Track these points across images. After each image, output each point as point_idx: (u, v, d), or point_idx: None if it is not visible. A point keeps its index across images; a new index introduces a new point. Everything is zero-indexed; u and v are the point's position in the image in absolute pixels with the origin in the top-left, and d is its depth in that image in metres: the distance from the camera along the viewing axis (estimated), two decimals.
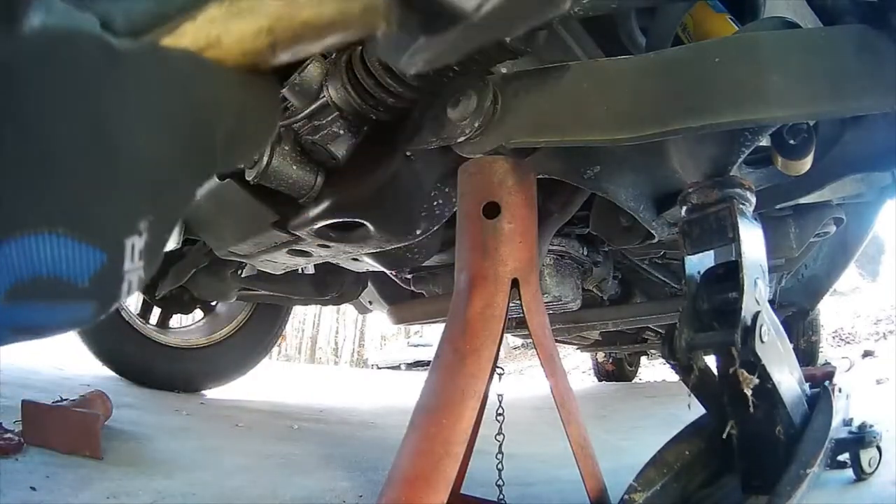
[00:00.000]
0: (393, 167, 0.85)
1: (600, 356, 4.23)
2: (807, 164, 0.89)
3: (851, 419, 1.04)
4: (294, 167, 0.89)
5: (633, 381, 4.28)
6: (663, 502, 0.75)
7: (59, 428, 1.07)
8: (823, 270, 1.99)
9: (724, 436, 0.78)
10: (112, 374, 1.99)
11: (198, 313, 2.32)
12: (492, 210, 0.75)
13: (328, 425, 1.97)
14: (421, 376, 1.03)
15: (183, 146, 0.29)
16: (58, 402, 1.24)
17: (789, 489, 0.69)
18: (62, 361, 2.34)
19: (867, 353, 4.33)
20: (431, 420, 0.68)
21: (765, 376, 0.72)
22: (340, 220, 0.93)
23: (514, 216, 0.75)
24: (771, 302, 0.81)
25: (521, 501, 1.10)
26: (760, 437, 0.78)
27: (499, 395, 0.79)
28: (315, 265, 1.81)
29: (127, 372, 2.00)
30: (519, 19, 0.39)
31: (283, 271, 1.34)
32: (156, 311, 2.16)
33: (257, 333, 2.31)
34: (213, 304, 2.29)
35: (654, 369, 5.19)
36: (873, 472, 0.99)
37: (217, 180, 1.01)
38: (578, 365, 7.29)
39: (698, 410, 0.84)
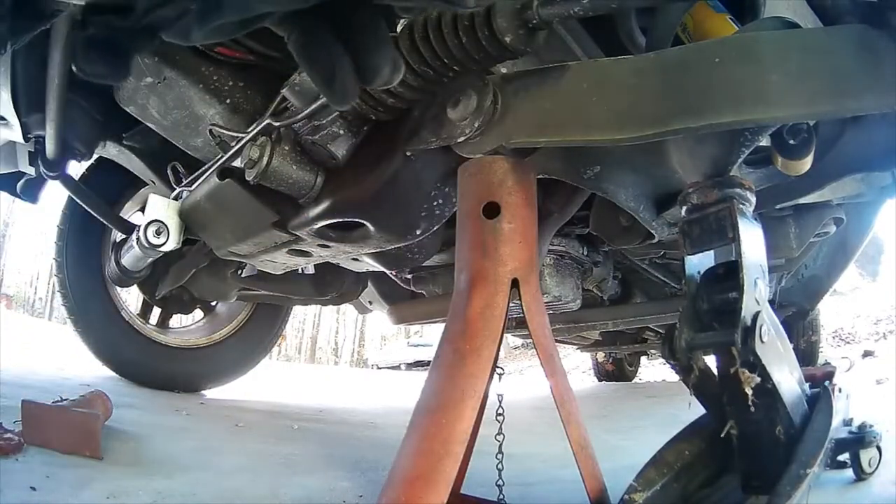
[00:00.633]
0: (393, 167, 0.85)
1: (600, 356, 4.23)
2: (807, 164, 0.89)
3: (851, 419, 1.04)
4: (294, 167, 0.89)
5: (633, 381, 4.28)
6: (663, 502, 0.75)
7: (59, 428, 1.07)
8: (823, 270, 1.99)
9: (724, 436, 0.78)
10: (112, 374, 1.99)
11: (198, 313, 2.32)
12: (492, 210, 0.75)
13: (328, 425, 1.97)
14: (421, 376, 1.03)
15: None
16: (58, 402, 1.24)
17: (789, 489, 0.69)
18: (62, 361, 2.34)
19: (867, 353, 4.33)
20: (431, 420, 0.68)
21: (765, 376, 0.72)
22: (340, 220, 0.93)
23: (514, 216, 0.75)
24: (771, 302, 0.81)
25: (521, 501, 1.10)
26: (760, 437, 0.77)
27: (499, 395, 0.79)
28: (315, 265, 1.81)
29: (127, 372, 2.00)
30: None
31: (283, 271, 1.34)
32: (156, 311, 2.15)
33: (257, 333, 2.31)
34: (213, 304, 2.29)
35: (654, 369, 5.19)
36: (873, 472, 0.99)
37: (217, 180, 1.01)
38: (578, 365, 7.29)
39: (698, 410, 0.84)
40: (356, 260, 1.27)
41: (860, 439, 0.98)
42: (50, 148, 1.30)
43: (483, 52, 0.70)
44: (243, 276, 1.81)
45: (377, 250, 1.04)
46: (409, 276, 1.69)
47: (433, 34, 0.70)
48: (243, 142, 0.97)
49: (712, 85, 0.60)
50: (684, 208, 0.83)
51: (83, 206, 1.58)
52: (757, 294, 0.73)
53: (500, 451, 0.78)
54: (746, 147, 0.88)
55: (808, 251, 1.54)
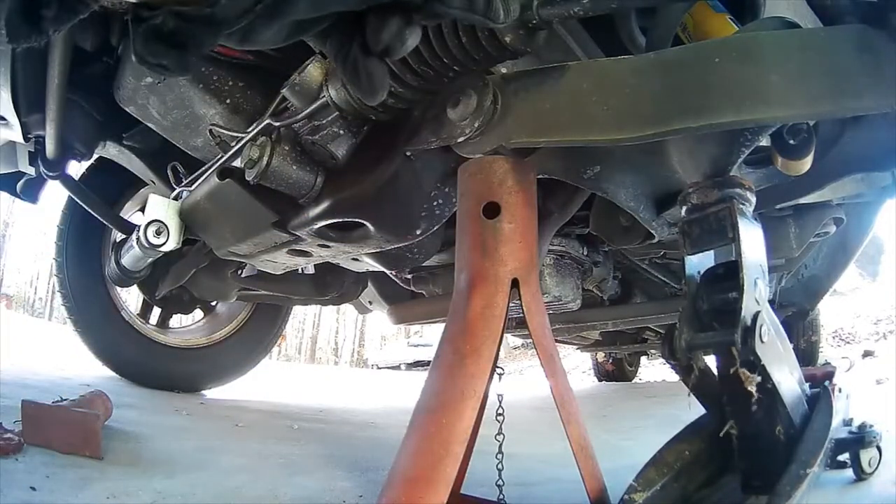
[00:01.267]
0: (393, 167, 0.85)
1: (600, 356, 4.23)
2: (807, 164, 0.89)
3: (851, 419, 1.04)
4: (294, 167, 0.89)
5: (633, 381, 4.27)
6: (663, 502, 0.75)
7: (59, 428, 1.07)
8: (823, 270, 1.99)
9: (724, 436, 0.78)
10: (112, 374, 1.99)
11: (198, 313, 2.32)
12: (492, 210, 0.75)
13: (328, 425, 1.97)
14: (421, 376, 1.03)
15: None
16: (58, 402, 1.24)
17: (789, 489, 0.69)
18: (62, 361, 2.34)
19: (867, 353, 4.33)
20: (431, 420, 0.68)
21: (765, 376, 0.72)
22: (340, 220, 0.93)
23: (514, 216, 0.75)
24: (771, 302, 0.81)
25: (521, 501, 1.10)
26: (760, 437, 0.77)
27: (499, 395, 0.79)
28: (315, 265, 1.81)
29: (127, 372, 2.00)
30: None
31: (283, 271, 1.34)
32: (156, 311, 2.16)
33: (257, 333, 2.31)
34: (213, 304, 2.29)
35: (654, 369, 5.19)
36: (873, 472, 0.99)
37: (217, 180, 1.01)
38: (578, 365, 7.29)
39: (698, 410, 0.84)
40: (356, 260, 1.27)
41: (860, 439, 0.98)
42: (50, 148, 1.30)
43: (483, 52, 0.70)
44: (243, 276, 1.81)
45: (377, 250, 1.04)
46: (409, 276, 1.69)
47: (433, 34, 0.70)
48: (243, 142, 0.97)
49: (712, 85, 0.60)
50: (684, 208, 0.83)
51: (83, 206, 1.58)
52: (757, 294, 0.73)
53: (500, 451, 0.78)
54: (746, 147, 0.88)
55: (808, 251, 1.54)
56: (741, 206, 0.77)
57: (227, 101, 1.08)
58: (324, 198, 0.91)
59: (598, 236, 1.23)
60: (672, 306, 1.81)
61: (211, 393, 2.21)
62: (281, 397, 2.67)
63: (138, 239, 1.24)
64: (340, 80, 0.79)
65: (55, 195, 1.87)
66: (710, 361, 0.80)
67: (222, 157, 1.06)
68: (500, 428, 0.78)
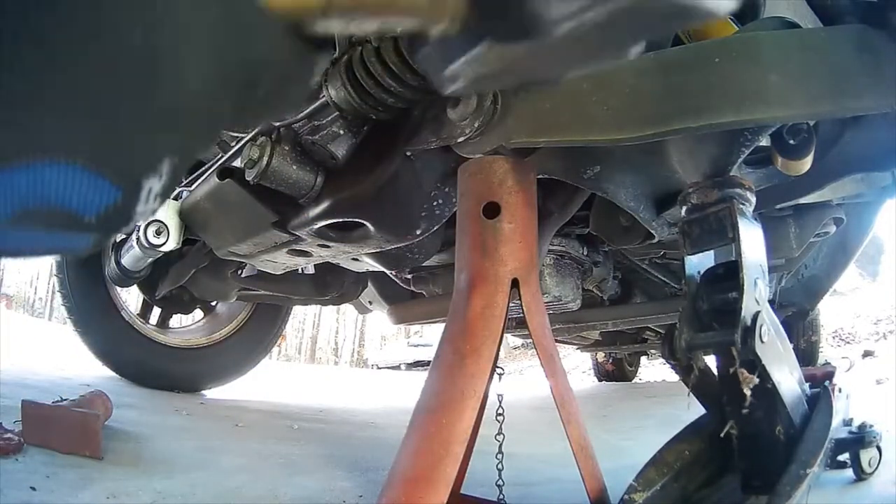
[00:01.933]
0: (393, 167, 0.85)
1: (600, 356, 4.22)
2: (807, 164, 0.89)
3: (851, 419, 1.04)
4: (294, 167, 0.89)
5: (633, 381, 4.27)
6: (663, 502, 0.75)
7: (59, 428, 1.07)
8: (823, 270, 1.99)
9: (724, 436, 0.78)
10: (112, 374, 1.99)
11: (198, 313, 2.32)
12: (492, 210, 0.75)
13: (328, 425, 1.97)
14: (421, 376, 1.03)
15: (228, 88, 0.27)
16: (58, 402, 1.24)
17: (789, 489, 0.69)
18: (62, 361, 2.34)
19: (867, 353, 4.33)
20: (431, 420, 0.68)
21: (765, 376, 0.72)
22: (340, 220, 0.93)
23: (514, 216, 0.75)
24: (771, 302, 0.80)
25: (521, 501, 1.10)
26: (760, 437, 0.77)
27: (499, 395, 0.79)
28: (315, 265, 1.81)
29: (127, 372, 2.00)
30: (613, 46, 0.32)
31: (283, 271, 1.34)
32: (156, 311, 2.15)
33: (257, 333, 2.31)
34: (213, 304, 2.29)
35: (654, 369, 5.19)
36: (873, 472, 0.99)
37: (217, 180, 1.01)
38: (578, 365, 7.29)
39: (698, 410, 0.84)
40: (356, 260, 1.27)
41: (860, 439, 0.98)
42: None
43: None
44: (243, 276, 1.81)
45: (377, 250, 1.04)
46: (409, 276, 1.69)
47: None
48: (243, 142, 0.97)
49: (712, 85, 0.60)
50: (684, 208, 0.83)
51: None
52: (757, 294, 0.73)
53: (500, 451, 0.79)
54: (746, 147, 0.88)
55: (808, 251, 1.54)
56: (741, 206, 0.77)
57: None
58: (324, 198, 0.91)
59: (598, 236, 1.23)
60: (672, 306, 1.81)
61: (211, 393, 2.21)
62: (281, 397, 2.67)
63: (138, 239, 1.24)
64: (340, 79, 0.79)
65: None
66: (710, 361, 0.80)
67: (222, 157, 1.06)
68: (500, 428, 0.78)
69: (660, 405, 2.67)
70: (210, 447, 1.33)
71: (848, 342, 5.79)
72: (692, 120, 0.60)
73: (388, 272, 1.65)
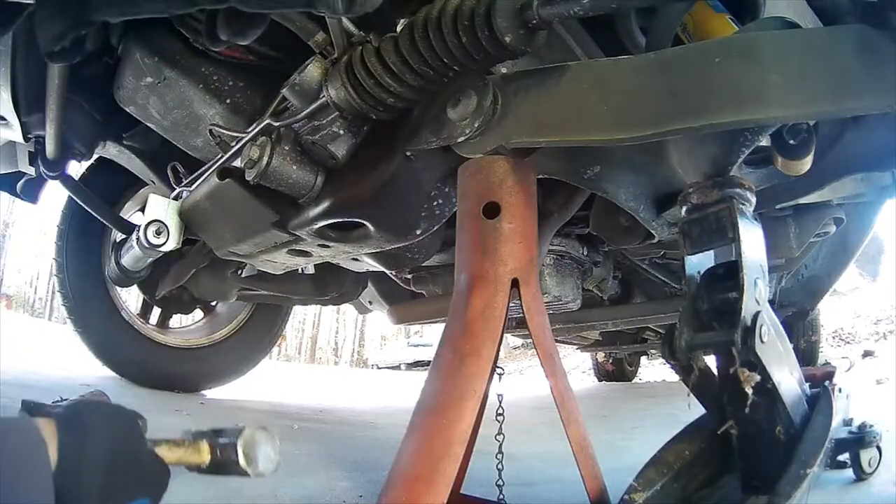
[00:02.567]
0: (393, 167, 0.85)
1: (600, 356, 4.23)
2: (807, 164, 0.89)
3: (851, 419, 1.04)
4: (294, 167, 0.89)
5: (633, 381, 4.27)
6: (663, 502, 0.75)
7: None
8: (823, 270, 1.99)
9: (724, 435, 0.78)
10: (112, 374, 1.99)
11: (198, 313, 2.32)
12: (492, 210, 0.75)
13: (328, 425, 1.97)
14: (421, 376, 1.03)
15: None
16: (58, 402, 1.24)
17: (789, 489, 0.69)
18: (62, 361, 2.34)
19: (867, 353, 4.33)
20: (431, 420, 0.68)
21: (765, 376, 0.72)
22: (340, 220, 0.93)
23: (514, 216, 0.75)
24: (771, 302, 0.81)
25: (521, 501, 1.10)
26: (760, 437, 0.77)
27: (499, 395, 0.79)
28: (315, 265, 1.81)
29: (127, 372, 2.00)
30: None
31: (283, 271, 1.34)
32: (156, 311, 2.15)
33: (257, 333, 2.31)
34: (213, 304, 2.29)
35: (654, 369, 5.19)
36: (873, 472, 0.99)
37: (217, 180, 1.01)
38: (578, 365, 7.29)
39: (698, 410, 0.84)
40: (356, 260, 1.27)
41: (860, 439, 0.98)
42: (50, 148, 1.30)
43: (483, 52, 0.70)
44: (243, 276, 1.81)
45: (377, 250, 1.04)
46: (409, 276, 1.69)
47: (433, 34, 0.70)
48: (243, 142, 0.97)
49: (712, 85, 0.60)
50: (684, 208, 0.83)
51: (83, 206, 1.58)
52: (757, 294, 0.73)
53: (500, 451, 0.79)
54: (746, 147, 0.88)
55: (808, 251, 1.54)
56: (741, 206, 0.77)
57: (227, 101, 1.08)
58: (324, 198, 0.91)
59: (598, 236, 1.24)
60: (672, 306, 1.81)
61: (211, 393, 2.21)
62: (281, 397, 2.67)
63: (138, 239, 1.24)
64: (340, 79, 0.79)
65: (55, 195, 1.88)
66: (710, 361, 0.80)
67: (222, 157, 1.06)
68: (500, 428, 0.78)
69: (660, 405, 2.67)
70: None
71: (848, 342, 5.79)
72: (692, 120, 0.60)
73: (388, 272, 1.66)
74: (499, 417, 0.79)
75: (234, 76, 1.08)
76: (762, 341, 0.70)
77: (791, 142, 0.88)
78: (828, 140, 0.98)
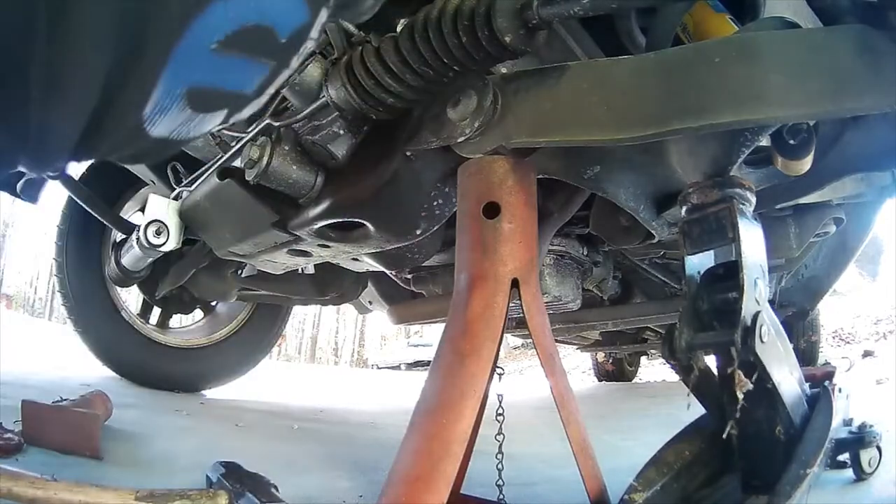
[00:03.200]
0: (393, 167, 0.85)
1: (600, 356, 4.23)
2: (807, 164, 0.89)
3: (851, 419, 1.04)
4: (294, 167, 0.89)
5: (633, 381, 4.27)
6: (663, 502, 0.75)
7: (59, 428, 1.07)
8: (823, 270, 1.99)
9: (724, 436, 0.78)
10: (112, 374, 1.99)
11: (198, 313, 2.32)
12: (492, 210, 0.75)
13: (328, 425, 1.97)
14: (421, 376, 1.03)
15: None
16: (58, 402, 1.24)
17: (789, 489, 0.69)
18: (62, 361, 2.34)
19: (867, 353, 4.33)
20: (431, 420, 0.68)
21: (765, 376, 0.72)
22: (340, 220, 0.93)
23: (514, 216, 0.75)
24: (771, 302, 0.80)
25: (521, 501, 1.10)
26: (760, 437, 0.78)
27: (499, 395, 0.79)
28: (315, 265, 1.81)
29: (127, 372, 2.00)
30: None
31: (283, 271, 1.34)
32: (156, 311, 2.15)
33: (257, 333, 2.31)
34: (213, 304, 2.29)
35: (654, 369, 5.19)
36: (873, 472, 0.99)
37: (217, 180, 1.01)
38: (578, 365, 7.29)
39: (698, 410, 0.84)
40: (356, 260, 1.27)
41: (860, 439, 0.98)
42: None
43: (483, 52, 0.70)
44: (243, 276, 1.81)
45: (377, 250, 1.04)
46: (409, 276, 1.69)
47: (433, 34, 0.70)
48: (243, 142, 0.97)
49: (712, 85, 0.60)
50: (684, 208, 0.83)
51: (83, 206, 1.58)
52: (757, 294, 0.73)
53: (500, 451, 0.78)
54: (746, 147, 0.88)
55: (808, 251, 1.54)
56: (741, 206, 0.77)
57: None
58: (324, 198, 0.91)
59: (598, 236, 1.23)
60: (672, 306, 1.81)
61: (211, 393, 2.21)
62: (281, 397, 2.67)
63: (138, 239, 1.24)
64: (340, 79, 0.79)
65: (55, 195, 1.87)
66: (711, 361, 0.80)
67: (222, 157, 1.06)
68: (500, 428, 0.78)
69: (660, 405, 2.67)
70: (210, 447, 1.33)
71: (848, 342, 5.80)
72: (692, 120, 0.60)
73: (388, 272, 1.66)
74: (499, 417, 0.79)
75: None
76: (762, 341, 0.70)
77: (791, 142, 0.88)
78: (828, 140, 0.98)
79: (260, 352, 2.35)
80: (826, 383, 0.96)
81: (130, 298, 2.63)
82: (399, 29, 0.75)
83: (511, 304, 0.73)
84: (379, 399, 3.36)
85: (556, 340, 1.64)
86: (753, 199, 0.79)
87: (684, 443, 0.81)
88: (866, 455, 0.98)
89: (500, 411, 0.79)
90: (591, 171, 0.85)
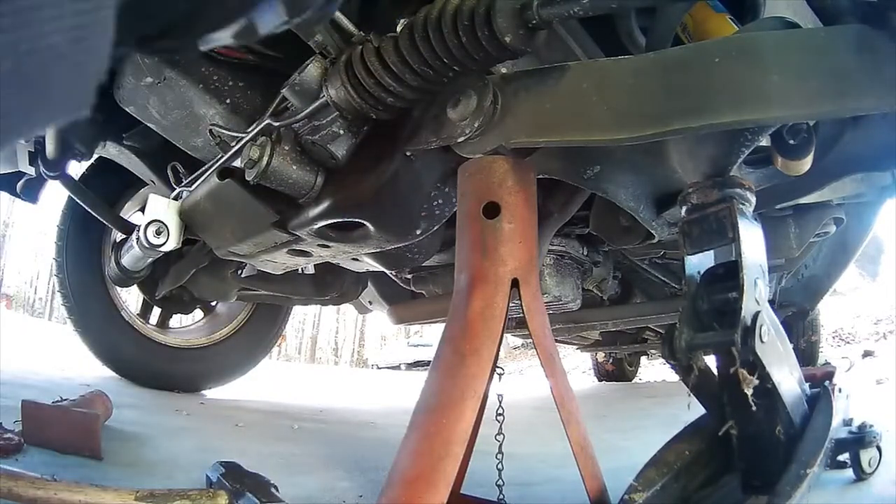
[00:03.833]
0: (393, 167, 0.85)
1: (600, 356, 4.23)
2: (807, 164, 0.89)
3: (851, 419, 1.04)
4: (294, 167, 0.89)
5: (633, 381, 4.27)
6: (663, 502, 0.75)
7: (59, 428, 1.07)
8: (823, 270, 1.99)
9: (724, 436, 0.78)
10: (112, 374, 1.99)
11: (198, 313, 2.32)
12: (492, 210, 0.75)
13: (328, 425, 1.97)
14: (421, 376, 1.03)
15: None
16: (58, 402, 1.24)
17: (789, 489, 0.69)
18: (62, 361, 2.34)
19: (867, 353, 4.33)
20: (431, 420, 0.68)
21: (765, 376, 0.72)
22: (340, 220, 0.93)
23: (514, 216, 0.75)
24: (771, 302, 0.81)
25: (521, 501, 1.10)
26: (760, 437, 0.78)
27: (499, 395, 0.79)
28: (315, 265, 1.81)
29: (127, 372, 2.00)
30: None
31: (283, 271, 1.34)
32: (156, 311, 2.16)
33: (257, 333, 2.31)
34: (213, 304, 2.29)
35: (654, 369, 5.19)
36: (873, 472, 0.99)
37: (217, 180, 1.01)
38: (578, 365, 7.29)
39: (698, 410, 0.84)
40: (356, 260, 1.27)
41: (860, 439, 0.98)
42: (50, 148, 1.30)
43: (483, 52, 0.70)
44: (243, 276, 1.81)
45: (377, 250, 1.03)
46: (409, 276, 1.69)
47: (433, 34, 0.70)
48: (243, 142, 0.97)
49: (712, 85, 0.60)
50: (684, 208, 0.83)
51: (83, 206, 1.58)
52: (757, 294, 0.73)
53: (500, 451, 0.78)
54: (746, 147, 0.88)
55: (808, 251, 1.54)
56: (741, 206, 0.77)
57: (227, 101, 1.08)
58: (324, 198, 0.91)
59: (598, 236, 1.24)
60: (672, 306, 1.81)
61: (211, 393, 2.21)
62: (281, 397, 2.67)
63: (138, 239, 1.24)
64: (340, 79, 0.79)
65: (55, 195, 1.87)
66: (711, 361, 0.80)
67: (222, 157, 1.06)
68: (500, 428, 0.78)
69: (660, 405, 2.67)
70: (210, 447, 1.33)
71: (848, 342, 5.80)
72: (692, 120, 0.60)
73: (388, 272, 1.66)
74: (499, 417, 0.79)
75: (233, 76, 1.08)
76: (762, 341, 0.70)
77: (791, 142, 0.88)
78: (828, 140, 0.98)
79: (260, 352, 2.35)
80: (826, 383, 0.96)
81: (130, 298, 2.63)
82: (399, 29, 0.74)
83: (511, 304, 0.73)
84: (379, 399, 3.37)
85: (556, 340, 1.64)
86: (753, 199, 0.79)
87: (684, 443, 0.81)
88: (866, 455, 0.98)
89: (500, 411, 0.79)
90: (591, 172, 0.85)
